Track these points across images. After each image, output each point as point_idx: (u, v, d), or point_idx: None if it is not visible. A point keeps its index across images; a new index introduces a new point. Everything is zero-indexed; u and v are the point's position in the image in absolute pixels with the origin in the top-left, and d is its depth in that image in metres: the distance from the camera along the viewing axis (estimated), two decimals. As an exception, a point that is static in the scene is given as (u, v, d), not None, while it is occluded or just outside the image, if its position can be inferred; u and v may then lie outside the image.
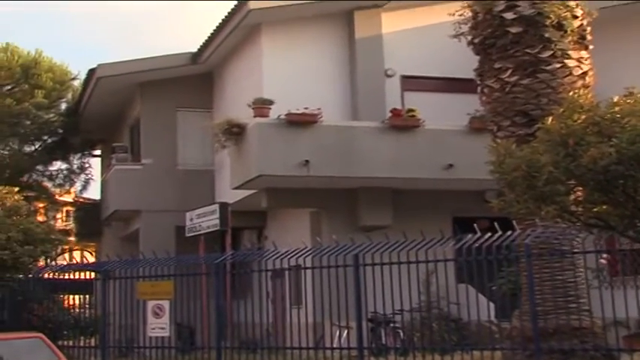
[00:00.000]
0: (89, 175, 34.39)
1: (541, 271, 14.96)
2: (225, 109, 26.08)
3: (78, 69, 46.32)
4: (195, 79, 27.74)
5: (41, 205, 35.32)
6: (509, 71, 15.85)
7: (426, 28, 23.35)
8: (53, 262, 21.70)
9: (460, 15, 16.94)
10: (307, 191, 22.37)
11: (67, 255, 33.48)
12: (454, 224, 21.27)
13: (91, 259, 34.96)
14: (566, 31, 15.86)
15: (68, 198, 37.38)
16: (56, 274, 20.85)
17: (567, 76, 15.70)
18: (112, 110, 30.70)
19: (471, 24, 16.70)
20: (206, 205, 24.41)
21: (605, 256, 16.67)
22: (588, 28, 16.36)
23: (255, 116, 21.43)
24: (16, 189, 22.37)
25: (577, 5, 16.24)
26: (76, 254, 40.81)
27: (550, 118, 12.01)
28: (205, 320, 19.15)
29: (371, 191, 22.45)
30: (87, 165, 34.51)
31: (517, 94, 15.74)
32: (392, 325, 19.06)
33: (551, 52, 15.74)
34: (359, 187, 22.39)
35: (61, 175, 33.83)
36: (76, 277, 20.57)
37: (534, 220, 14.07)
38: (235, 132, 21.99)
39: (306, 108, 21.36)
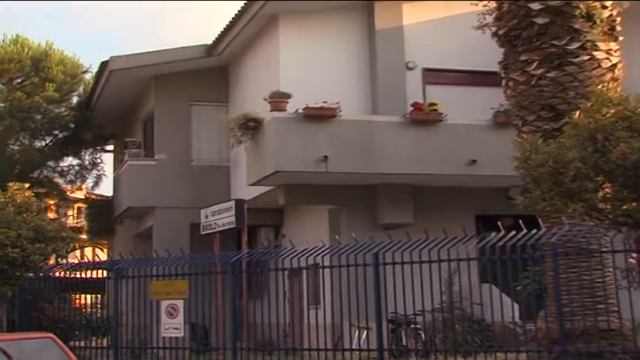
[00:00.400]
0: (101, 171, 34.47)
1: (568, 271, 14.87)
2: (241, 102, 26.09)
3: (90, 62, 46.61)
4: (210, 72, 27.77)
5: (52, 201, 35.38)
6: (535, 64, 15.75)
7: (449, 19, 23.29)
8: (64, 261, 21.78)
9: (484, 5, 16.87)
10: (326, 188, 22.35)
11: (78, 253, 33.58)
12: (477, 222, 21.14)
13: (103, 257, 35.12)
14: (595, 22, 15.74)
15: (80, 194, 37.48)
16: (67, 272, 20.90)
17: (596, 68, 15.59)
18: (125, 104, 30.79)
19: (496, 15, 16.62)
20: (221, 202, 24.42)
21: (634, 255, 16.54)
22: (618, 19, 16.23)
23: (272, 110, 21.42)
24: (27, 185, 22.49)
25: (606, -5, 16.13)
26: (88, 252, 41.07)
27: (578, 113, 11.96)
28: (220, 320, 19.14)
29: (391, 188, 22.41)
30: (99, 160, 34.59)
31: (543, 87, 15.65)
32: (413, 326, 19.00)
33: (579, 43, 15.62)
34: (379, 183, 22.36)
35: (72, 171, 33.89)
36: (88, 275, 20.60)
37: (561, 217, 14.00)
38: (251, 127, 22.00)
39: (324, 102, 21.34)
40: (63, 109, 32.46)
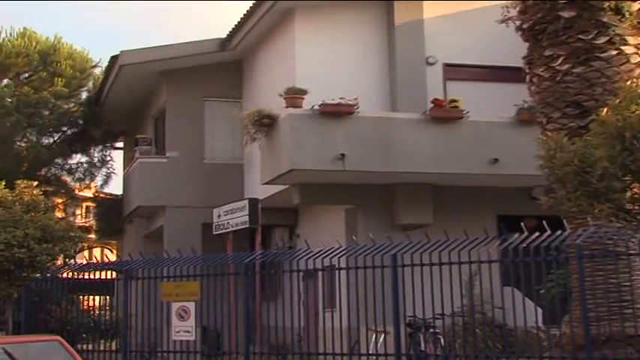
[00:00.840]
0: (111, 169, 34.62)
1: (593, 274, 14.80)
2: (255, 99, 26.09)
3: (99, 56, 46.69)
4: (223, 67, 27.77)
5: (60, 200, 35.49)
6: (561, 59, 15.68)
7: (471, 13, 23.26)
8: (72, 261, 21.80)
9: (508, -2, 16.83)
10: (342, 187, 22.33)
11: (86, 253, 33.66)
12: (499, 223, 21.07)
13: (112, 257, 35.19)
14: (623, 15, 15.67)
15: (88, 193, 37.58)
16: (75, 273, 20.92)
17: (624, 63, 15.53)
18: (136, 100, 30.83)
19: (520, 8, 16.57)
20: (235, 201, 24.43)
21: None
22: (648, 12, 16.15)
23: (287, 107, 21.41)
24: (34, 183, 22.49)
25: (636, -13, 16.05)
26: (97, 252, 41.16)
27: (605, 110, 11.88)
28: (233, 323, 19.13)
29: (410, 187, 22.37)
30: (108, 158, 34.72)
31: (569, 83, 15.59)
32: (432, 330, 18.97)
33: (607, 37, 15.56)
34: (397, 182, 22.32)
35: (81, 169, 34.03)
36: (96, 276, 20.62)
37: (586, 218, 13.93)
38: (266, 123, 21.99)
39: (341, 98, 21.30)
40: (72, 104, 32.58)
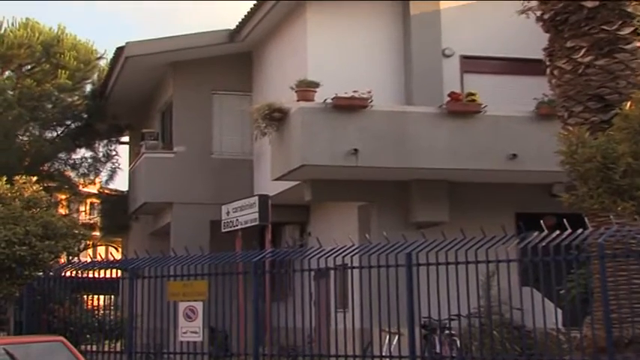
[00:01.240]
0: (116, 164, 34.65)
1: (616, 274, 14.75)
2: (265, 92, 26.09)
3: (104, 47, 46.63)
4: (232, 59, 27.80)
5: (63, 196, 35.60)
6: (583, 50, 15.63)
7: (490, 3, 23.22)
8: (75, 259, 21.83)
9: (528, -13, 16.77)
10: (355, 183, 22.32)
11: (90, 251, 33.72)
12: (517, 221, 21.04)
13: (117, 256, 35.23)
14: (649, 5, 15.62)
15: (93, 189, 37.63)
16: (79, 272, 20.95)
17: (649, 55, 15.48)
18: (142, 93, 30.89)
19: (541, -3, 16.51)
20: (244, 198, 24.45)
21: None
22: (675, 2, 16.10)
23: (298, 100, 21.41)
24: (36, 178, 22.54)
25: (663, -25, 15.98)
26: (101, 250, 41.23)
27: (629, 103, 11.87)
28: (242, 324, 19.15)
29: (425, 184, 22.35)
30: (114, 153, 34.75)
31: (591, 76, 15.53)
32: (447, 331, 18.96)
33: (632, 28, 15.50)
34: (412, 179, 22.31)
35: (85, 164, 34.05)
36: (101, 275, 20.64)
37: (609, 216, 13.88)
38: (277, 117, 21.99)
39: (354, 91, 21.28)
40: (76, 97, 32.63)
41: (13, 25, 31.93)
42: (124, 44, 27.20)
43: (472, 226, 15.66)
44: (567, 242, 14.19)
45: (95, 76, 33.29)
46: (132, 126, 33.47)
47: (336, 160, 20.96)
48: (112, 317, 22.49)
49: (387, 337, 17.86)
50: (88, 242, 31.86)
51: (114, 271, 21.00)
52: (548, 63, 16.52)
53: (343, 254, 16.56)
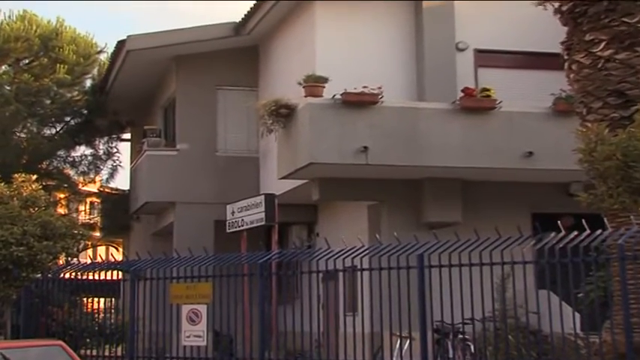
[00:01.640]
0: (117, 162, 34.68)
1: (637, 277, 14.71)
2: (272, 87, 26.11)
3: (105, 41, 46.62)
4: (238, 53, 27.80)
5: (62, 195, 35.61)
6: (603, 44, 15.60)
7: (505, -5, 23.18)
8: (75, 260, 21.85)
9: (545, -21, 16.74)
10: (365, 182, 22.32)
11: (90, 252, 33.76)
12: (533, 221, 21.02)
13: (118, 257, 35.28)
14: (671, -3, 15.57)
15: (93, 188, 37.67)
16: (78, 273, 20.99)
17: (672, 49, 15.45)
18: (144, 88, 30.90)
19: (558, -11, 16.48)
20: (249, 197, 24.43)
21: None
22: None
23: (306, 96, 21.40)
24: (34, 177, 22.54)
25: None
26: (101, 251, 41.29)
27: (650, 99, 11.83)
28: (247, 328, 19.16)
29: (438, 182, 22.34)
30: (114, 150, 34.78)
31: (611, 70, 15.50)
32: (461, 336, 18.94)
33: (654, 21, 15.48)
34: (424, 177, 22.29)
35: (85, 162, 34.08)
36: (101, 277, 20.67)
37: (629, 216, 13.86)
38: (283, 114, 21.99)
39: (364, 87, 21.29)
40: (75, 93, 32.67)
41: (10, 17, 31.98)
42: (125, 37, 27.23)
43: (486, 227, 15.65)
44: (586, 243, 14.18)
45: (95, 71, 33.32)
46: (133, 122, 33.51)
47: (345, 158, 20.95)
48: (112, 321, 22.51)
49: (398, 341, 17.90)
50: (87, 243, 31.96)
51: (115, 272, 21.04)
52: (566, 57, 16.49)
53: (352, 255, 16.58)
